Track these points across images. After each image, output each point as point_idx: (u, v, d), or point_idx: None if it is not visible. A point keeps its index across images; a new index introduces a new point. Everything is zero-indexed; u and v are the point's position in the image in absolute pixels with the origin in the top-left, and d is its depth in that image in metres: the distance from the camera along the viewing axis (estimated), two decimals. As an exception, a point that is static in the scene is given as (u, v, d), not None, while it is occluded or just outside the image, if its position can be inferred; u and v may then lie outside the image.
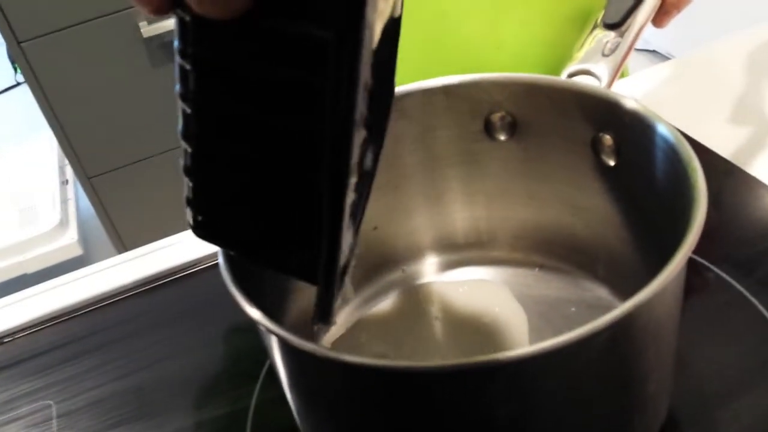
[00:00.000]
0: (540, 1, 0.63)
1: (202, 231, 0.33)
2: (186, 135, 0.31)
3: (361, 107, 0.29)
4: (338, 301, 0.33)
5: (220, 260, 0.36)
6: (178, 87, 0.30)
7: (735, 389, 0.43)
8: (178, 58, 0.29)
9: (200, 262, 0.60)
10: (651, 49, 2.04)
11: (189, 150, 0.31)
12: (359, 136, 0.29)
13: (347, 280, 0.34)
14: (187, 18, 0.28)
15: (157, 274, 0.60)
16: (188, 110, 0.30)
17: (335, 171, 0.29)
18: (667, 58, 0.76)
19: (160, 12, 0.28)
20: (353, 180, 0.30)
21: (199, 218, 0.33)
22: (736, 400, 0.43)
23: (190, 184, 0.32)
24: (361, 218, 0.34)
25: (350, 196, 0.30)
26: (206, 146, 0.31)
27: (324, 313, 0.33)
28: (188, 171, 0.32)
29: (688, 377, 0.44)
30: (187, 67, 0.29)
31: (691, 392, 0.43)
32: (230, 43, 0.28)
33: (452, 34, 0.62)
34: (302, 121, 0.29)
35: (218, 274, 0.36)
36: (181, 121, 0.31)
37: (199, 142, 0.31)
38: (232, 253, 0.35)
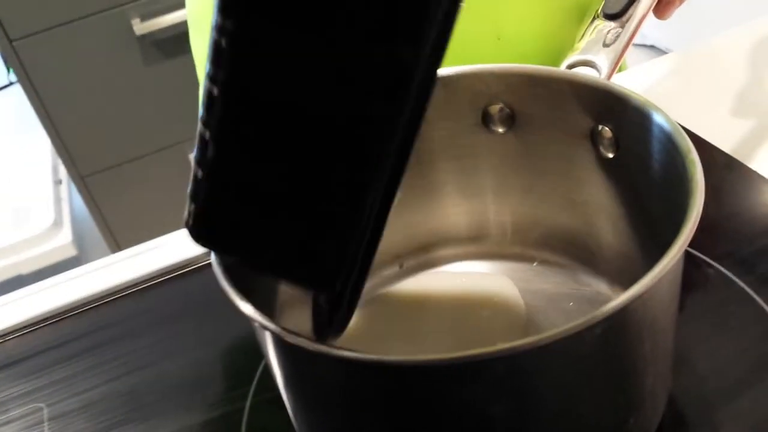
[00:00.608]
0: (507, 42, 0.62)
1: (202, 232, 0.30)
2: (208, 120, 0.27)
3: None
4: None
5: (213, 258, 0.36)
6: (208, 67, 0.27)
7: (736, 387, 0.43)
8: (214, 34, 0.26)
9: (194, 262, 0.59)
10: (649, 44, 2.04)
11: (208, 137, 0.28)
12: None
13: None
14: None
15: (150, 274, 0.59)
16: (215, 92, 0.27)
17: (399, 168, 0.27)
18: (666, 53, 0.75)
19: None
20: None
21: (202, 218, 0.29)
22: (738, 397, 0.42)
23: (201, 178, 0.29)
24: None
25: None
26: (231, 135, 0.28)
27: (341, 324, 0.32)
28: (204, 162, 0.28)
29: (688, 375, 0.43)
30: (224, 42, 0.26)
31: (692, 390, 0.43)
32: (282, 16, 0.25)
33: None
34: (368, 106, 0.26)
35: (212, 274, 0.35)
36: (205, 103, 0.27)
37: (223, 130, 0.27)
38: (232, 259, 0.32)
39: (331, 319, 0.31)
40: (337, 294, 0.31)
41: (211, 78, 0.27)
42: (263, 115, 0.27)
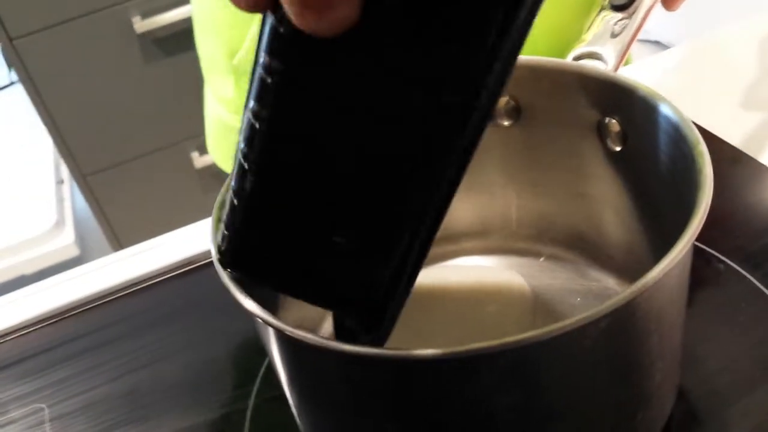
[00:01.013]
0: None
1: (235, 260, 0.30)
2: (248, 152, 0.27)
3: None
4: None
5: (214, 256, 0.35)
6: (252, 103, 0.27)
7: (746, 383, 0.42)
8: (260, 71, 0.26)
9: (196, 260, 0.59)
10: (653, 39, 2.03)
11: (247, 168, 0.28)
12: None
13: None
14: (282, 29, 0.25)
15: (151, 272, 0.59)
16: (258, 126, 0.27)
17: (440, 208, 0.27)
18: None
19: (255, 9, 0.25)
20: None
21: (235, 246, 0.30)
22: (748, 394, 0.42)
23: (237, 207, 0.29)
24: None
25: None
26: (271, 168, 0.28)
27: (378, 340, 0.31)
28: (242, 193, 0.28)
29: (697, 371, 0.43)
30: (270, 81, 0.26)
31: (701, 386, 0.43)
32: (330, 60, 0.25)
33: None
34: (414, 149, 0.26)
35: (214, 272, 0.34)
36: (246, 138, 0.27)
37: (263, 163, 0.28)
38: (263, 286, 0.32)
39: (357, 333, 0.31)
40: (371, 317, 0.30)
41: (255, 114, 0.27)
42: (304, 151, 0.27)
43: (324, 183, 0.28)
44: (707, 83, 0.67)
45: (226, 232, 0.30)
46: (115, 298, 0.57)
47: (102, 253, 1.51)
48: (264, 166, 0.28)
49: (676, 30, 1.83)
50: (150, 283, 0.58)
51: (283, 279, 0.31)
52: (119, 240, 1.57)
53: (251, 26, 0.66)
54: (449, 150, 0.26)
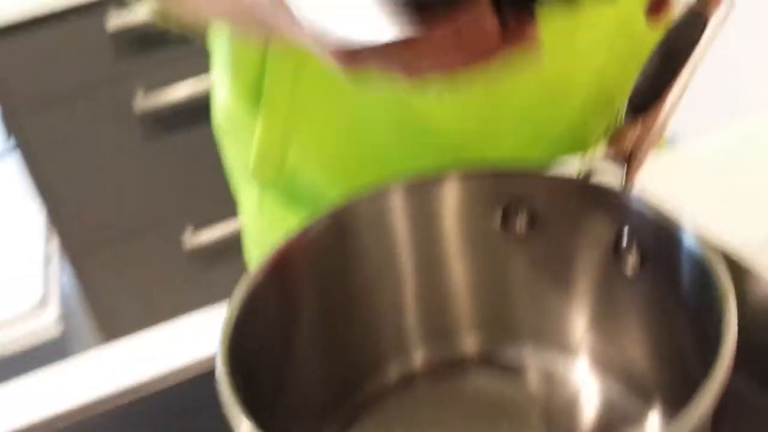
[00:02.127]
0: (525, 126, 0.61)
1: None
2: None
3: None
4: None
5: (219, 367, 0.34)
6: None
7: None
8: None
9: (191, 370, 0.55)
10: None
11: None
12: None
13: None
14: None
15: (142, 381, 0.55)
16: None
17: None
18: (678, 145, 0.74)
19: None
20: None
21: None
22: None
23: None
24: None
25: None
26: None
27: None
28: None
29: None
30: None
31: None
32: None
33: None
34: None
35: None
36: None
37: None
38: None
39: None
40: None
41: None
42: None
43: None
44: (720, 186, 0.66)
45: None
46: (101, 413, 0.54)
47: (86, 335, 1.48)
48: None
49: (684, 128, 1.84)
50: (141, 395, 0.55)
51: None
52: (105, 325, 1.55)
53: (254, 136, 0.63)
54: None
